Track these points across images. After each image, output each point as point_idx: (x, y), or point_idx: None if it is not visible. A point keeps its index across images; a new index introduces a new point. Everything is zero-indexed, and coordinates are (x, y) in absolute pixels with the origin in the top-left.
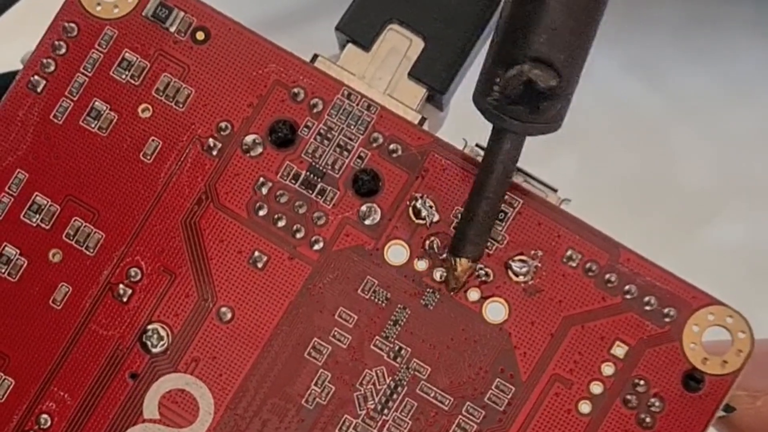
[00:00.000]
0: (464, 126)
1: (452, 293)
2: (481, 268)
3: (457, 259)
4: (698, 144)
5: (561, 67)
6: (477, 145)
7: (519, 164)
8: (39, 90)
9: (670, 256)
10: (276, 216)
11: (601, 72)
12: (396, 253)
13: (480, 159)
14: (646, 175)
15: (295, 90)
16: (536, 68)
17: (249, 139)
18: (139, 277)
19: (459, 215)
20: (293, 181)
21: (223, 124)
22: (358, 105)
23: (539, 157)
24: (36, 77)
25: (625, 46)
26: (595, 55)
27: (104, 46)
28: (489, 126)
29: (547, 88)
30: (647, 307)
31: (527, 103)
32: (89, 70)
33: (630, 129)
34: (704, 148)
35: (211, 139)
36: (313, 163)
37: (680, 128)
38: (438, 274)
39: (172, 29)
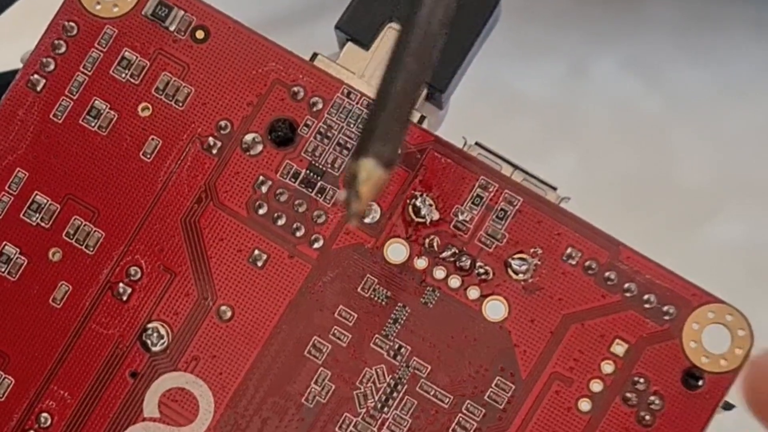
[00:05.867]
0: (464, 124)
1: (352, 221)
2: (480, 266)
3: (361, 161)
4: (697, 143)
5: None
6: (477, 144)
7: (518, 162)
8: (39, 89)
9: (670, 254)
10: (276, 214)
11: (601, 71)
12: (396, 251)
13: (481, 157)
14: (645, 174)
15: (295, 88)
16: None
17: (249, 137)
18: (138, 275)
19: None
20: (293, 180)
21: (222, 123)
22: (357, 103)
23: (538, 155)
24: (36, 76)
25: (624, 45)
26: (594, 54)
27: (104, 45)
28: (489, 124)
29: None
30: (647, 305)
31: None
32: (89, 69)
33: (629, 128)
34: (703, 147)
35: (210, 138)
36: (313, 162)
37: (679, 127)
38: (438, 272)
39: (172, 28)
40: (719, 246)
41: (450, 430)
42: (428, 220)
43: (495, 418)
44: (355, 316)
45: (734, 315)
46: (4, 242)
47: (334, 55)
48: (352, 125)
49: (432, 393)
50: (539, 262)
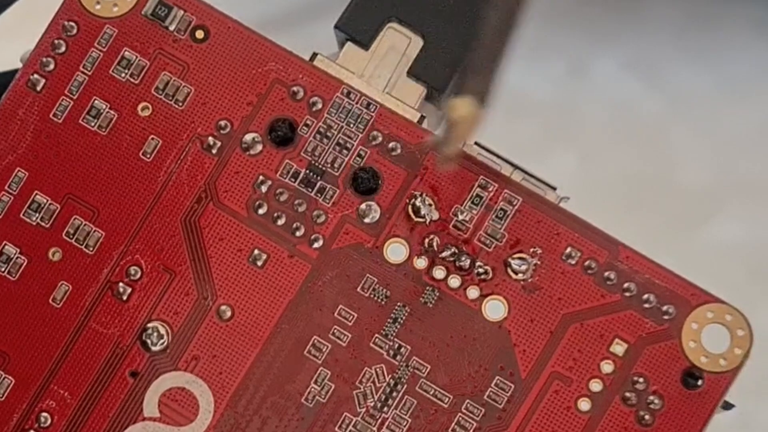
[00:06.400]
0: None
1: (444, 166)
2: (480, 266)
3: (457, 100)
4: (697, 143)
5: None
6: (476, 144)
7: (517, 161)
8: (38, 89)
9: (669, 254)
10: (275, 214)
11: (601, 71)
12: (395, 251)
13: (480, 157)
14: (645, 174)
15: (295, 88)
16: None
17: (248, 137)
18: (138, 275)
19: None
20: (293, 180)
21: (222, 123)
22: (357, 103)
23: (538, 155)
24: (36, 76)
25: (624, 45)
26: (594, 54)
27: (104, 45)
28: (488, 124)
29: None
30: (646, 305)
31: None
32: (89, 68)
33: (629, 128)
34: (703, 147)
35: (210, 138)
36: (313, 162)
37: (679, 127)
38: (438, 272)
39: (172, 28)
40: (719, 246)
41: (450, 429)
42: (428, 220)
43: (494, 417)
44: (355, 315)
45: (733, 315)
46: (4, 242)
47: (333, 55)
48: (351, 125)
49: (432, 392)
50: (539, 262)
